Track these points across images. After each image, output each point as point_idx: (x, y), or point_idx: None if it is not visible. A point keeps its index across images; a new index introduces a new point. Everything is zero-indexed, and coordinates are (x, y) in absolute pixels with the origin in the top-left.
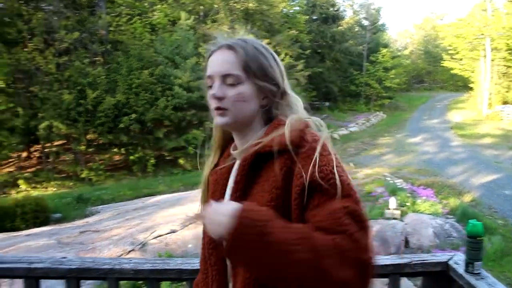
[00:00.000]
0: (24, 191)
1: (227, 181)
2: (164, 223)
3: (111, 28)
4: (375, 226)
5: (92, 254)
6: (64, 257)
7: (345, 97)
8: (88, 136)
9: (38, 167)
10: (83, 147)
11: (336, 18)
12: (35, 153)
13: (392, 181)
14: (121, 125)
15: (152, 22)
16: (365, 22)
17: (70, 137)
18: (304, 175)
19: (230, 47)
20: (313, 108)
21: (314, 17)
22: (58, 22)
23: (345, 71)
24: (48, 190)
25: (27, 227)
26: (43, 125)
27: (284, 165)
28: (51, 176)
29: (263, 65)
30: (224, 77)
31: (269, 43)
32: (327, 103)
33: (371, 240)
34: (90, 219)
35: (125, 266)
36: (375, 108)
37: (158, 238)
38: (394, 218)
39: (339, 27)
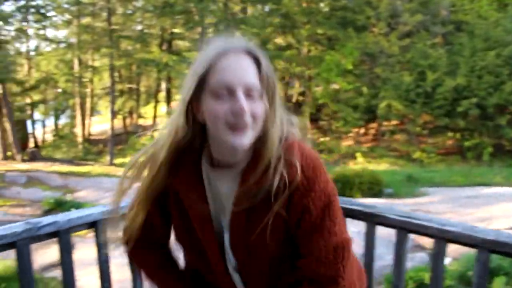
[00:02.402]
0: (360, 163)
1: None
2: (503, 216)
3: (454, 8)
4: None
5: None
6: (475, 226)
7: None
8: (424, 118)
9: (373, 143)
10: (418, 128)
11: None
12: (371, 130)
13: None
14: (460, 109)
15: None
16: None
17: (406, 118)
18: (303, 203)
19: (249, 53)
20: None
21: None
22: (402, 6)
23: None
24: (381, 166)
25: (362, 196)
26: (382, 104)
27: (284, 193)
28: (384, 153)
29: (274, 80)
30: (248, 87)
31: None
32: None
33: None
34: (420, 199)
35: None
36: None
37: None
38: None
39: None
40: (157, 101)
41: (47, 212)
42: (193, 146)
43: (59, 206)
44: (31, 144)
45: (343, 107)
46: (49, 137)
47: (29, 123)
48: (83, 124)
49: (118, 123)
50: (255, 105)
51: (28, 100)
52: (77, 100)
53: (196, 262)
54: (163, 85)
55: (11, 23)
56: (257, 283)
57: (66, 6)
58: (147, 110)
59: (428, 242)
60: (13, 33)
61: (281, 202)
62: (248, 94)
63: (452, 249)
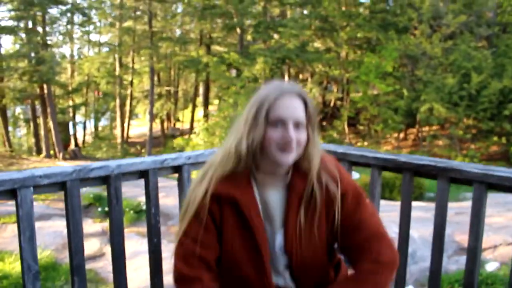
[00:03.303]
0: None
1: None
2: None
3: (500, 10)
4: None
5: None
6: None
7: None
8: (467, 122)
9: (413, 148)
10: (460, 132)
11: None
12: (411, 135)
13: None
14: (506, 112)
15: None
16: None
17: (447, 122)
18: (340, 191)
19: (300, 95)
20: None
21: None
22: (445, 8)
23: None
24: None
25: None
26: (424, 107)
27: (324, 190)
28: None
29: (316, 116)
30: (296, 121)
31: None
32: None
33: None
34: (464, 203)
35: None
36: None
37: None
38: None
39: None
40: (194, 106)
41: (87, 207)
42: (245, 164)
43: (98, 200)
44: (73, 145)
45: (384, 109)
46: (90, 139)
47: (70, 125)
48: (122, 126)
49: (156, 126)
50: (300, 134)
51: (70, 103)
52: (117, 102)
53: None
54: (201, 90)
55: (56, 27)
56: (308, 279)
57: (109, 11)
58: (184, 114)
59: None
60: (59, 37)
61: (323, 201)
62: (296, 125)
63: (500, 253)
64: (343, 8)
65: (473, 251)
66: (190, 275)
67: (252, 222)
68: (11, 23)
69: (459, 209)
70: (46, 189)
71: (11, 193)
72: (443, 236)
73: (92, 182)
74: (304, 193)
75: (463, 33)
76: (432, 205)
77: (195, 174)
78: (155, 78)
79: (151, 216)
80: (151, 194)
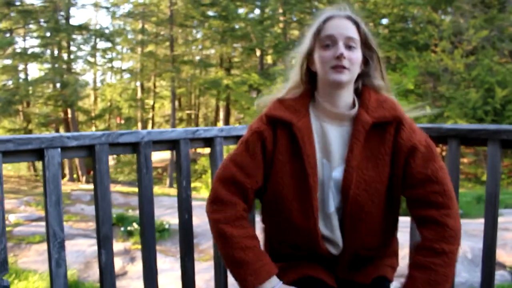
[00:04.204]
0: None
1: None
2: None
3: None
4: None
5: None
6: None
7: None
8: None
9: None
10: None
11: None
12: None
13: None
14: None
15: None
16: None
17: None
18: (412, 142)
19: (350, 18)
20: None
21: None
22: (466, 23)
23: None
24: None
25: None
26: (448, 123)
27: (393, 133)
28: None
29: (372, 40)
30: (347, 39)
31: None
32: None
33: None
34: (499, 219)
35: None
36: None
37: None
38: None
39: None
40: None
41: None
42: (303, 89)
43: (121, 221)
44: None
45: None
46: (112, 163)
47: None
48: None
49: None
50: (353, 53)
51: (93, 128)
52: (139, 126)
53: (289, 215)
54: (221, 115)
55: (81, 55)
56: (356, 227)
57: (130, 36)
58: None
59: (509, 259)
60: (82, 64)
61: (391, 136)
62: (347, 45)
63: None
64: None
65: None
66: (225, 199)
67: (304, 148)
68: (37, 50)
69: None
70: (74, 152)
71: (38, 153)
72: (497, 203)
73: (122, 148)
74: (371, 127)
75: (485, 48)
76: (462, 221)
77: (226, 150)
78: (176, 103)
79: (182, 189)
80: (183, 166)
